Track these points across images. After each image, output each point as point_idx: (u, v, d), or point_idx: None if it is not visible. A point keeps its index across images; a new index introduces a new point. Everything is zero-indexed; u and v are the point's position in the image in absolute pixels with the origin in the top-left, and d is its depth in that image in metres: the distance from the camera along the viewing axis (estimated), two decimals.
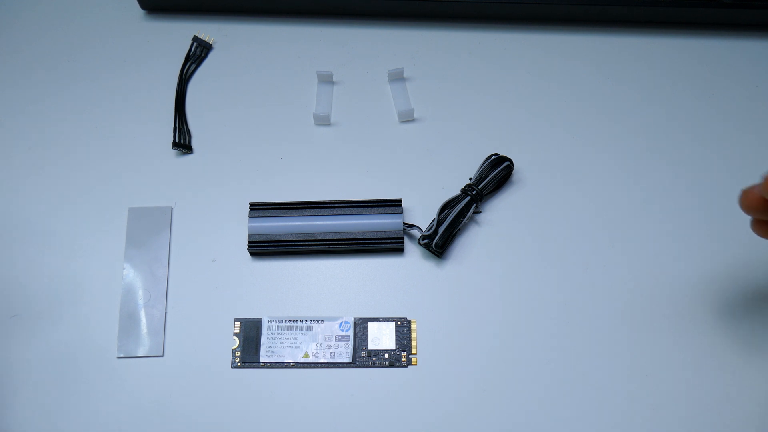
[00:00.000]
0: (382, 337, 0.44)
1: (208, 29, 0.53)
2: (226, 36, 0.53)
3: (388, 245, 0.45)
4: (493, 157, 0.47)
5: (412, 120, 0.50)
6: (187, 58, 0.52)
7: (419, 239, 0.45)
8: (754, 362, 0.43)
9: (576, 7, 0.52)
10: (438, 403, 0.43)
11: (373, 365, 0.43)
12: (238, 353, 0.44)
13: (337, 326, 0.44)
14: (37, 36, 0.53)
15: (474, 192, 0.45)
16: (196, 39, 0.52)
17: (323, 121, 0.50)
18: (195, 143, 0.50)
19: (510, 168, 0.47)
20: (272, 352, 0.44)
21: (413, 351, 0.44)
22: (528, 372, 0.43)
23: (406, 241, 0.47)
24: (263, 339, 0.44)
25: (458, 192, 0.46)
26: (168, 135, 0.49)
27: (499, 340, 0.44)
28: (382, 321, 0.44)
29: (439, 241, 0.44)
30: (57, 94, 0.51)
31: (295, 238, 0.45)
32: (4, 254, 0.46)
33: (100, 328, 0.44)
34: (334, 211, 0.46)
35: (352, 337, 0.44)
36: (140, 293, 0.45)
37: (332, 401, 0.43)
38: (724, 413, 0.42)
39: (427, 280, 0.46)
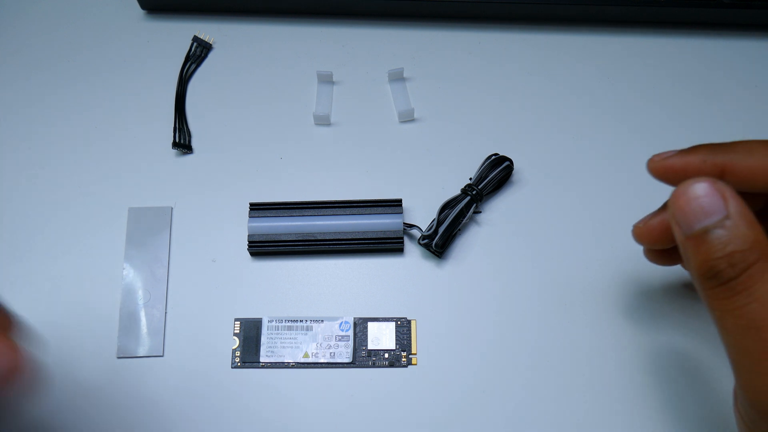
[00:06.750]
0: (382, 337, 0.44)
1: (208, 29, 0.53)
2: (226, 36, 0.53)
3: (388, 245, 0.45)
4: (493, 157, 0.47)
5: (412, 120, 0.50)
6: (187, 58, 0.52)
7: (419, 239, 0.45)
8: None
9: (576, 7, 0.52)
10: (438, 403, 0.43)
11: (373, 365, 0.43)
12: (238, 353, 0.44)
13: (337, 326, 0.44)
14: (37, 36, 0.53)
15: (474, 192, 0.45)
16: (196, 39, 0.52)
17: (323, 121, 0.50)
18: (195, 143, 0.50)
19: (510, 168, 0.47)
20: (272, 352, 0.44)
21: (413, 351, 0.44)
22: (528, 372, 0.43)
23: (406, 241, 0.47)
24: (263, 339, 0.44)
25: (458, 192, 0.46)
26: (168, 135, 0.49)
27: (499, 340, 0.44)
28: (382, 321, 0.44)
29: (439, 241, 0.44)
30: (57, 94, 0.51)
31: (295, 238, 0.45)
32: (3, 254, 0.46)
33: (100, 328, 0.44)
34: (334, 211, 0.46)
35: (352, 337, 0.44)
36: (140, 293, 0.45)
37: (332, 401, 0.43)
38: (723, 410, 0.42)
39: (427, 280, 0.46)
